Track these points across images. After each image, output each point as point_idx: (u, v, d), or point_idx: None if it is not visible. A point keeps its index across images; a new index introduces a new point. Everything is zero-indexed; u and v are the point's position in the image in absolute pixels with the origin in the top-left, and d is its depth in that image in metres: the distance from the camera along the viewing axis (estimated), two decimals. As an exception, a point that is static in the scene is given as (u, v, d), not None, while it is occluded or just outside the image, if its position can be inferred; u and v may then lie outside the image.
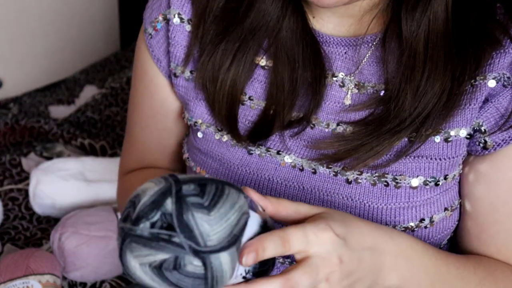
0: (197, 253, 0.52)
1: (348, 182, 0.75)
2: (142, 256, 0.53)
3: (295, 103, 0.76)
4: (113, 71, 2.07)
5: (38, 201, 1.39)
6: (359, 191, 0.75)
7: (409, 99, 0.71)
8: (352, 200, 0.75)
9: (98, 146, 1.66)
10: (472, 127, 0.74)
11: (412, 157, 0.75)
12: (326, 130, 0.76)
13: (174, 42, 0.81)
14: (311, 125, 0.77)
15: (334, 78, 0.76)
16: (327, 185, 0.76)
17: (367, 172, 0.75)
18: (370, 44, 0.75)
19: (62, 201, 1.38)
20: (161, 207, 0.53)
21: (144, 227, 0.53)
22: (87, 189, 1.40)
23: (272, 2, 0.74)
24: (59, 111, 1.86)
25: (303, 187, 0.77)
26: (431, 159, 0.74)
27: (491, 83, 0.72)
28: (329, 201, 0.76)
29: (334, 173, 0.76)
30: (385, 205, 0.75)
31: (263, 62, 0.78)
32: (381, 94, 0.74)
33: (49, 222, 1.39)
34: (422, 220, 0.76)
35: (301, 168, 0.77)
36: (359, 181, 0.75)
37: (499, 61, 0.72)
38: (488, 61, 0.72)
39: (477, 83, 0.72)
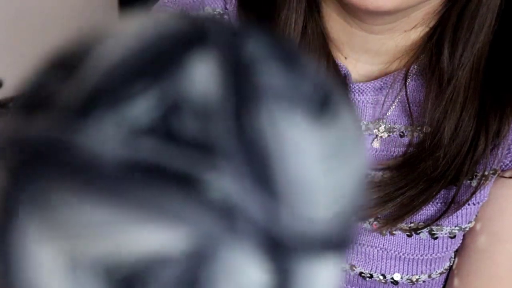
0: (277, 247, 0.19)
1: (382, 233, 0.72)
2: (80, 228, 0.19)
3: None
4: (113, 71, 2.07)
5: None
6: (394, 243, 0.72)
7: (446, 137, 0.67)
8: (387, 252, 0.72)
9: (99, 146, 1.66)
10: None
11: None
12: None
13: None
14: None
15: (364, 128, 0.72)
16: (361, 237, 0.73)
17: (401, 223, 0.71)
18: (397, 84, 0.71)
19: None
20: (170, 75, 0.18)
21: (107, 128, 0.19)
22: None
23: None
24: (59, 111, 1.86)
25: None
26: (468, 204, 0.70)
27: None
28: (363, 253, 0.73)
29: (366, 225, 0.72)
30: (421, 256, 0.72)
31: None
32: (406, 135, 0.70)
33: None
34: (451, 258, 0.75)
35: None
36: (394, 232, 0.72)
37: None
38: None
39: None
